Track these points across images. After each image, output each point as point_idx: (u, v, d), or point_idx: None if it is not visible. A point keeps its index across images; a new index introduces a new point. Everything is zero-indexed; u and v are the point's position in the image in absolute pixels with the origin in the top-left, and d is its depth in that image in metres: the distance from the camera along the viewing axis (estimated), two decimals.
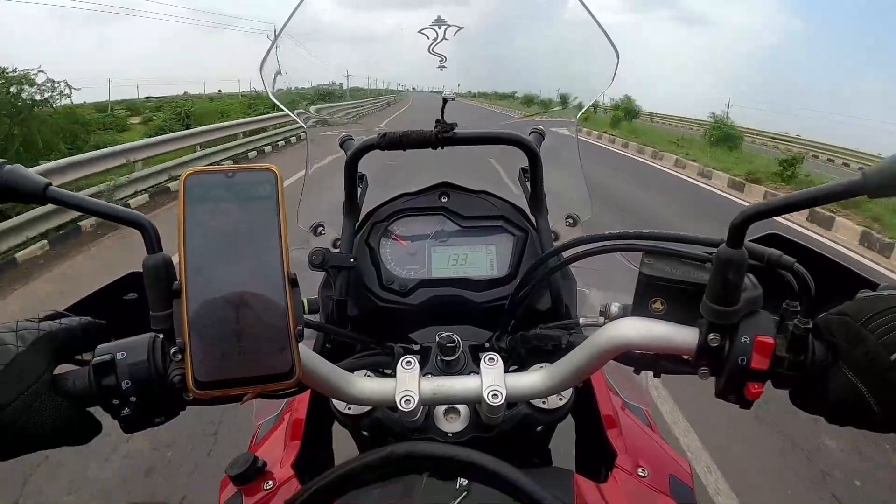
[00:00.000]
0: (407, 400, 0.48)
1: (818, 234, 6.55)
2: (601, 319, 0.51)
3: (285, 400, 0.77)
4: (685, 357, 0.44)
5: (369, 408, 0.56)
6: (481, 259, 0.70)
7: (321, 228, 0.76)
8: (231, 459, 0.62)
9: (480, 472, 0.40)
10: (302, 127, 0.82)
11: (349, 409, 0.56)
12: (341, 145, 0.74)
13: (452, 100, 0.61)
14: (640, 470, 0.64)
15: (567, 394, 0.57)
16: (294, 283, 0.39)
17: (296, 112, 0.80)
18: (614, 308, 0.49)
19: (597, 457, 0.69)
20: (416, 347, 0.63)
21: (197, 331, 0.37)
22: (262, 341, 0.37)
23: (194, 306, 0.37)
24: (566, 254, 0.56)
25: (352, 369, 0.55)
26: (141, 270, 0.52)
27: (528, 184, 0.71)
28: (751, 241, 0.48)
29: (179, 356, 0.40)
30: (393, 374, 0.52)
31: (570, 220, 0.77)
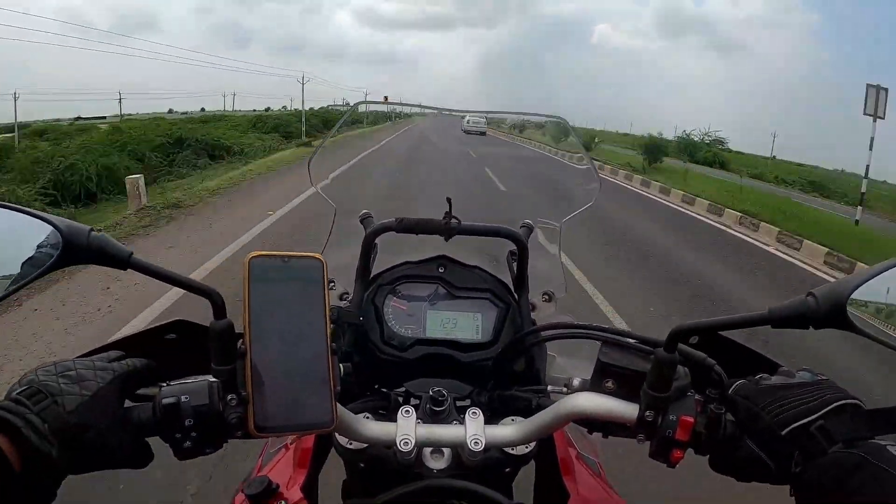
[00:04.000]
0: (406, 442, 0.60)
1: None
2: (565, 389, 0.64)
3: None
4: (627, 425, 0.57)
5: (366, 445, 0.67)
6: (469, 324, 0.82)
7: (332, 284, 0.87)
8: (245, 480, 0.71)
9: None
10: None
11: (350, 444, 0.67)
12: (361, 222, 0.86)
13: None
14: None
15: (532, 444, 0.69)
16: (335, 351, 0.51)
17: (330, 196, 0.94)
18: (576, 382, 0.63)
19: (552, 497, 0.81)
20: (410, 395, 0.74)
21: (258, 386, 0.48)
22: (310, 396, 0.49)
23: (256, 365, 0.48)
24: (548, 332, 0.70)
25: (356, 412, 0.66)
26: (182, 319, 0.64)
27: (515, 266, 0.85)
28: (694, 337, 0.63)
29: (235, 402, 0.50)
30: (388, 417, 0.64)
31: (547, 297, 0.90)
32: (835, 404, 0.49)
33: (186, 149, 16.07)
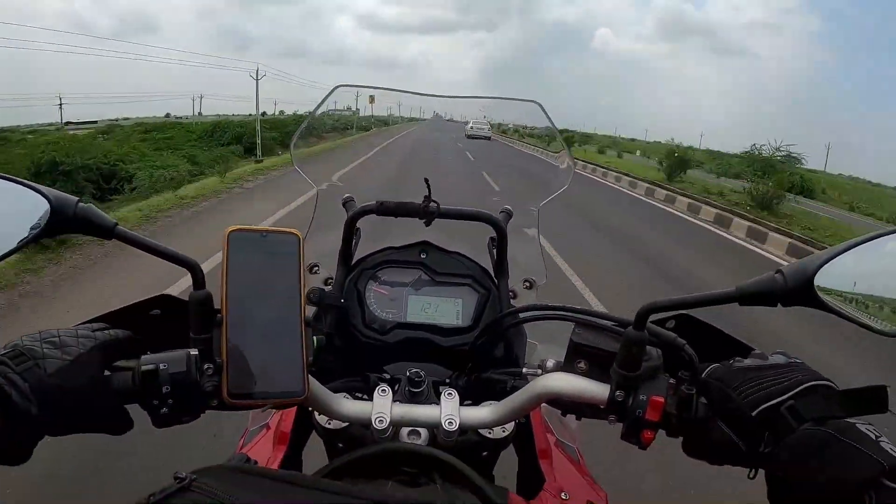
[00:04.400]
0: (380, 420, 0.60)
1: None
2: (539, 371, 0.65)
3: (273, 410, 0.88)
4: (600, 406, 0.57)
5: (346, 424, 0.67)
6: (449, 309, 0.83)
7: (316, 268, 0.87)
8: (227, 458, 0.72)
9: (446, 469, 0.55)
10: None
11: (329, 423, 0.67)
12: (343, 205, 0.87)
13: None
14: (563, 494, 0.76)
15: (510, 427, 0.70)
16: (308, 323, 0.52)
17: (311, 178, 0.94)
18: (549, 363, 0.63)
19: (531, 482, 0.81)
20: (388, 377, 0.75)
21: (233, 354, 0.49)
22: (283, 367, 0.50)
23: (232, 335, 0.49)
24: (522, 315, 0.70)
25: (335, 391, 0.67)
26: (167, 293, 0.65)
27: (495, 251, 0.86)
28: (668, 321, 0.63)
29: (211, 371, 0.51)
30: (368, 398, 0.64)
31: (527, 284, 0.91)
32: (805, 385, 0.49)
33: (65, 177, 11.48)
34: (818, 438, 0.46)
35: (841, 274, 0.48)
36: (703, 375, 0.55)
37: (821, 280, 0.47)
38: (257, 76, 25.55)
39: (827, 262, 0.47)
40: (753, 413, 0.50)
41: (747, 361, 0.55)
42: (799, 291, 0.47)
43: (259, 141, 21.21)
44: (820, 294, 0.47)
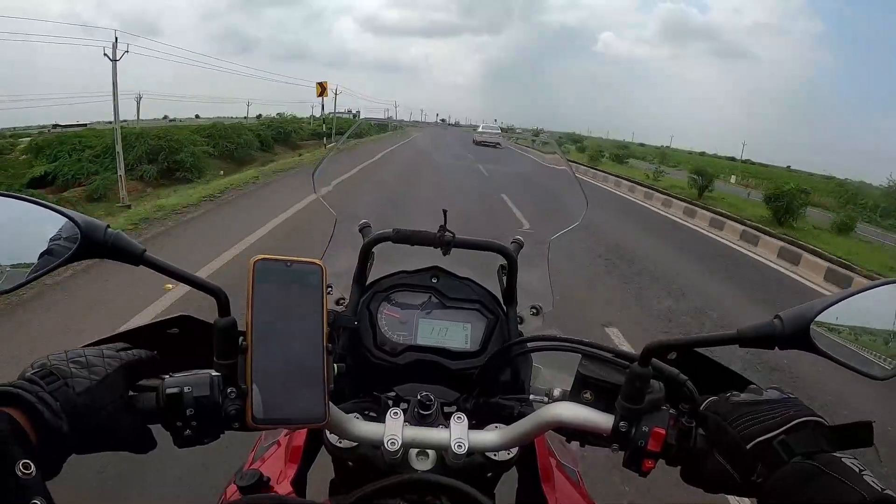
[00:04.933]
0: (392, 442, 0.63)
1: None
2: (546, 399, 0.67)
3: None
4: (603, 435, 0.60)
5: (356, 444, 0.69)
6: (458, 334, 0.86)
7: (329, 289, 0.90)
8: (237, 471, 0.74)
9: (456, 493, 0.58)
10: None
11: (340, 442, 0.70)
12: (360, 231, 0.90)
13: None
14: None
15: (514, 450, 0.72)
16: (330, 352, 0.54)
17: (331, 206, 0.98)
18: (556, 392, 0.66)
19: (531, 503, 0.84)
20: (397, 397, 0.77)
21: (257, 380, 0.51)
22: (305, 393, 0.52)
23: (256, 361, 0.51)
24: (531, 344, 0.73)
25: (346, 411, 0.69)
26: (187, 314, 0.67)
27: (505, 279, 0.88)
28: (673, 353, 0.66)
29: (234, 395, 0.53)
30: (378, 418, 0.67)
31: (535, 310, 0.94)
32: (797, 421, 0.52)
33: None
34: (806, 472, 0.49)
35: (836, 321, 0.51)
36: (701, 408, 0.58)
37: (816, 326, 0.50)
38: (114, 54, 15.67)
39: (823, 310, 0.50)
40: (748, 446, 0.53)
41: (743, 396, 0.58)
42: (796, 336, 0.50)
43: (120, 169, 14.73)
44: (816, 340, 0.50)
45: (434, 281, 0.89)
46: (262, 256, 0.53)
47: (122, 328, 0.63)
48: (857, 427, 0.51)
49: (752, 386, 0.62)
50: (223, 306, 0.55)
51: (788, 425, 0.52)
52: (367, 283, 0.89)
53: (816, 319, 0.50)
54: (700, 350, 0.71)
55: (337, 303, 0.90)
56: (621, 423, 0.58)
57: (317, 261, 0.56)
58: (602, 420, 0.59)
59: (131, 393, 0.54)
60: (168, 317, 0.69)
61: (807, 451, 0.50)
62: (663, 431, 0.57)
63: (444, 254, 0.84)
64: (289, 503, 0.49)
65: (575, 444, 0.67)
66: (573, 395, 0.62)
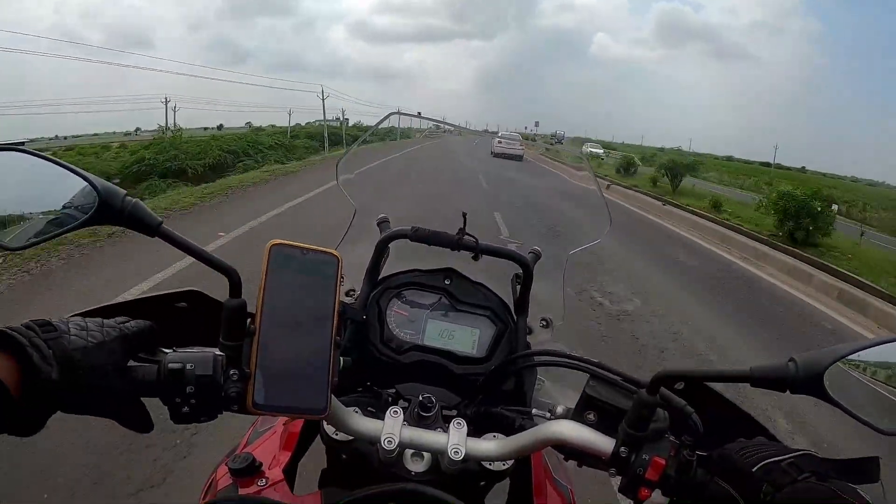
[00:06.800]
0: (389, 441, 0.63)
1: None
2: (548, 415, 0.67)
3: None
4: (602, 458, 0.59)
5: (352, 437, 0.69)
6: (466, 338, 0.86)
7: (342, 280, 0.90)
8: (229, 453, 0.74)
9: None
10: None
11: (337, 434, 0.70)
12: (378, 225, 0.90)
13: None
14: None
15: (510, 461, 0.72)
16: (339, 345, 0.54)
17: (352, 197, 0.98)
18: (559, 409, 0.66)
19: None
20: (398, 395, 0.77)
21: (261, 365, 0.51)
22: (308, 383, 0.52)
23: (263, 346, 0.51)
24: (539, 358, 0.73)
25: (346, 405, 0.69)
26: (197, 289, 0.67)
27: (518, 289, 0.88)
28: (680, 383, 0.65)
29: (236, 377, 0.53)
30: (377, 414, 0.67)
31: (545, 322, 0.93)
32: (804, 451, 0.52)
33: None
34: (823, 494, 0.48)
35: (850, 371, 0.50)
36: (714, 455, 0.57)
37: (830, 375, 0.48)
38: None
39: (839, 359, 0.49)
40: (754, 469, 0.52)
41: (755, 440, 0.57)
42: (809, 382, 0.49)
43: None
44: (830, 388, 0.48)
45: (447, 283, 0.89)
46: (279, 242, 0.53)
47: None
48: (863, 462, 0.51)
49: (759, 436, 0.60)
50: (235, 286, 0.54)
51: (797, 452, 0.52)
52: (380, 277, 0.89)
53: (830, 368, 0.49)
54: (719, 393, 0.70)
55: (347, 294, 0.90)
56: (622, 449, 0.58)
57: (333, 251, 0.56)
58: (603, 443, 0.59)
59: (130, 363, 0.53)
60: (177, 290, 0.69)
61: (819, 471, 0.50)
62: (663, 461, 0.56)
63: (475, 258, 0.84)
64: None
65: (572, 463, 0.67)
66: (577, 415, 0.62)
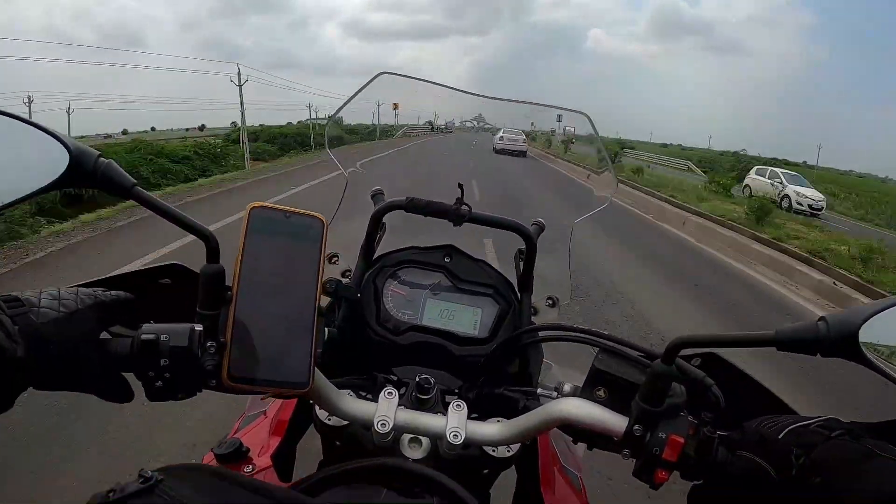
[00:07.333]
0: (383, 424, 0.59)
1: None
2: (554, 394, 0.62)
3: (273, 399, 0.87)
4: (614, 438, 0.55)
5: (346, 423, 0.65)
6: (467, 318, 0.81)
7: (335, 258, 0.86)
8: (218, 440, 0.71)
9: (444, 493, 0.52)
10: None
11: (329, 419, 0.66)
12: (372, 197, 0.86)
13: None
14: None
15: (515, 447, 0.67)
16: (322, 314, 0.50)
17: (342, 162, 0.94)
18: (567, 387, 0.61)
19: None
20: (396, 379, 0.73)
21: (238, 334, 0.47)
22: (290, 355, 0.48)
23: (240, 314, 0.48)
24: (543, 333, 0.68)
25: (340, 387, 0.65)
26: (179, 263, 0.63)
27: (522, 265, 0.84)
28: (695, 358, 0.60)
29: (213, 349, 0.49)
30: (372, 399, 0.62)
31: (550, 301, 0.89)
32: (830, 416, 0.48)
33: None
34: (860, 451, 0.44)
35: (886, 329, 0.45)
36: (741, 434, 0.52)
37: (865, 334, 0.44)
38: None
39: (874, 314, 0.44)
40: (780, 435, 0.48)
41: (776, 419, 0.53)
42: (842, 343, 0.44)
43: None
44: (864, 349, 0.44)
45: (447, 260, 0.85)
46: (260, 204, 0.49)
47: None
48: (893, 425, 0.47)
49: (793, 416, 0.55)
50: (212, 251, 0.50)
51: (823, 417, 0.48)
52: (376, 256, 0.85)
53: (865, 325, 0.44)
54: (728, 358, 0.65)
55: (343, 274, 0.86)
56: (636, 427, 0.53)
57: (318, 214, 0.52)
58: (615, 421, 0.54)
59: (105, 336, 0.51)
60: (159, 264, 0.66)
61: (852, 429, 0.46)
62: (682, 440, 0.51)
63: (456, 225, 0.79)
64: (225, 476, 0.45)
65: (581, 447, 0.62)
66: (585, 392, 0.57)
